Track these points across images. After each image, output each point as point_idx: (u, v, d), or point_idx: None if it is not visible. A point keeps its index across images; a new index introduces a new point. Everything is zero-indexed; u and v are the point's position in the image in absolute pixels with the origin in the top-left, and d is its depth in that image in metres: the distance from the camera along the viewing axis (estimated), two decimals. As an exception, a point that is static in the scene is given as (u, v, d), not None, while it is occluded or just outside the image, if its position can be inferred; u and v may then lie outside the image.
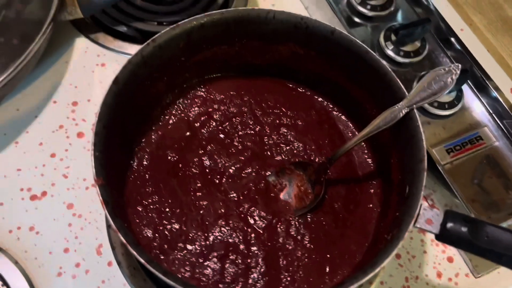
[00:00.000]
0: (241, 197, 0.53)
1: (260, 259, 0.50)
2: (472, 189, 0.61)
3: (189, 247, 0.50)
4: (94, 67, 0.65)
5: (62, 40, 0.67)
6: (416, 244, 0.59)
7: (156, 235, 0.50)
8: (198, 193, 0.53)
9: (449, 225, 0.42)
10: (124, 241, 0.39)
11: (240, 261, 0.49)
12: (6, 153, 0.59)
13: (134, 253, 0.39)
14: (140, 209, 0.51)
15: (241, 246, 0.50)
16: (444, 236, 0.42)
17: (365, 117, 0.56)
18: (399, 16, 0.75)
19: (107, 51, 0.67)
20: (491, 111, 0.66)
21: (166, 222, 0.51)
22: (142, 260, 0.39)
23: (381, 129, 0.49)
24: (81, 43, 0.67)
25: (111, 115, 0.46)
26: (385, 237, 0.45)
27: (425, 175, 0.45)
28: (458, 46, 0.72)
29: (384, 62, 0.51)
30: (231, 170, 0.55)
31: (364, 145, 0.58)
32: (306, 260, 0.50)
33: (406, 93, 0.49)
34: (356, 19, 0.75)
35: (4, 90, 0.54)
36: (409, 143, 0.48)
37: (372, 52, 0.51)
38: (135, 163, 0.54)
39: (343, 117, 0.60)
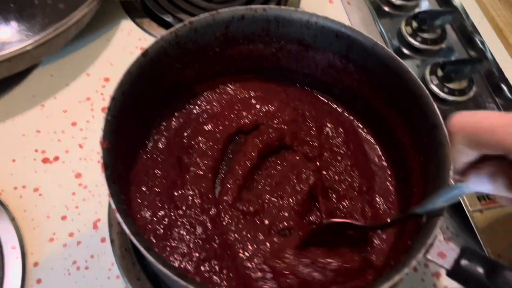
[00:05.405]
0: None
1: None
2: (500, 243, 0.56)
3: (185, 237, 0.47)
4: (133, 50, 0.66)
5: (109, 19, 0.68)
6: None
7: (154, 218, 0.48)
8: None
9: (464, 262, 0.38)
10: (114, 207, 0.38)
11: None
12: (31, 114, 0.59)
13: (121, 220, 0.37)
14: (144, 189, 0.49)
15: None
16: (456, 274, 0.38)
17: (395, 144, 0.53)
18: (450, 54, 0.72)
19: (149, 36, 0.68)
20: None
21: (167, 207, 0.49)
22: (127, 231, 0.37)
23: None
24: (126, 25, 0.68)
25: (133, 85, 0.46)
26: (390, 263, 0.42)
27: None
28: (509, 95, 0.68)
29: (422, 84, 0.48)
30: None
31: (389, 172, 0.54)
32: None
33: (442, 120, 0.46)
34: (405, 50, 0.73)
35: (41, 50, 0.55)
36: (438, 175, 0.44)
37: (411, 72, 0.48)
38: (150, 144, 0.53)
39: (371, 140, 0.57)
